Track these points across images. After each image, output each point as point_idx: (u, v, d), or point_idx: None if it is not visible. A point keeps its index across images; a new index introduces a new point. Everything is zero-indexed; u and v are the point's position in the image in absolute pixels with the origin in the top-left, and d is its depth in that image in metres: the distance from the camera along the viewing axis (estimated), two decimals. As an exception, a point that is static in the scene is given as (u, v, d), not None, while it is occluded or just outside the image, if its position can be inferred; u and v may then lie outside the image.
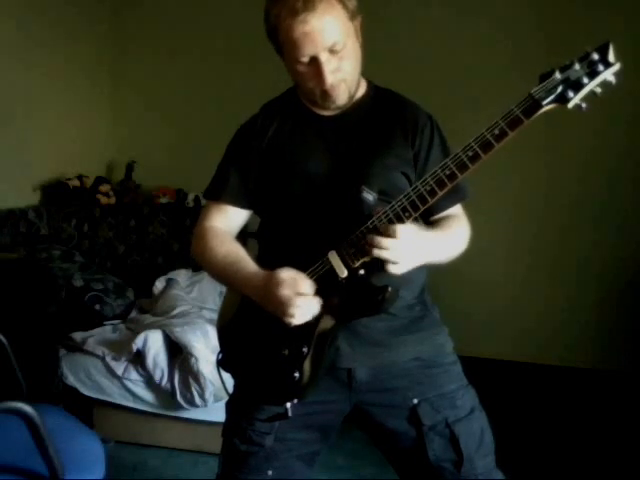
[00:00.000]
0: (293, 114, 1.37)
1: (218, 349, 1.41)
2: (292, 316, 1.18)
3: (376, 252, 1.13)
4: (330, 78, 1.23)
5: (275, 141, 1.36)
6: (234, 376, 1.40)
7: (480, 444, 1.32)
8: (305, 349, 1.23)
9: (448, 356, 1.38)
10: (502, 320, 3.53)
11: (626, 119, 3.24)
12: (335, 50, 1.20)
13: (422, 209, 1.16)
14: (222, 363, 1.39)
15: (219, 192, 1.39)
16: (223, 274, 1.34)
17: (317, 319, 1.21)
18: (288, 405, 1.25)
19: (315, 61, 1.21)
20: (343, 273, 1.20)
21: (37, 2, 3.45)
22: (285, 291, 1.17)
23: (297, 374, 1.23)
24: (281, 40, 1.24)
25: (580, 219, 3.38)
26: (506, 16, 3.37)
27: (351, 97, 1.31)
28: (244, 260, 1.31)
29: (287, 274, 1.19)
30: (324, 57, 1.20)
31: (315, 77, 1.23)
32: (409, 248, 1.14)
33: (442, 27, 3.45)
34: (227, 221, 1.40)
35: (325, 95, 1.26)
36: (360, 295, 1.21)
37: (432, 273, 1.41)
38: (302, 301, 1.17)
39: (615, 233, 3.33)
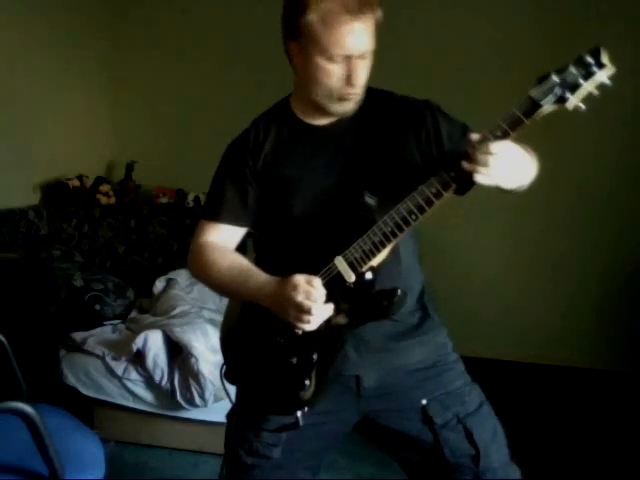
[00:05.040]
0: (287, 127, 1.35)
1: (218, 349, 1.40)
2: (307, 322, 1.17)
3: (467, 166, 1.09)
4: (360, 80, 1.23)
5: (272, 156, 1.34)
6: (240, 388, 1.39)
7: (494, 437, 1.32)
8: (315, 356, 1.22)
9: (450, 355, 1.39)
10: (502, 320, 3.52)
11: (626, 119, 3.24)
12: (364, 57, 1.22)
13: (428, 211, 1.15)
14: (227, 375, 1.38)
15: (216, 212, 1.37)
16: (230, 286, 1.31)
17: (326, 325, 1.21)
18: (299, 414, 1.24)
19: (347, 61, 1.21)
20: (351, 278, 1.19)
21: (38, 3, 3.44)
22: (300, 297, 1.16)
23: (308, 382, 1.22)
24: (316, 33, 1.19)
25: (580, 219, 3.38)
26: (506, 17, 3.36)
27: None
28: (251, 269, 1.29)
29: (302, 279, 1.17)
30: (360, 59, 1.21)
31: (344, 78, 1.22)
32: (502, 163, 1.10)
33: (442, 28, 3.44)
34: (225, 239, 1.38)
35: (344, 97, 1.25)
36: (369, 299, 1.20)
37: (433, 273, 1.41)
38: (316, 308, 1.16)
39: (615, 233, 3.33)
